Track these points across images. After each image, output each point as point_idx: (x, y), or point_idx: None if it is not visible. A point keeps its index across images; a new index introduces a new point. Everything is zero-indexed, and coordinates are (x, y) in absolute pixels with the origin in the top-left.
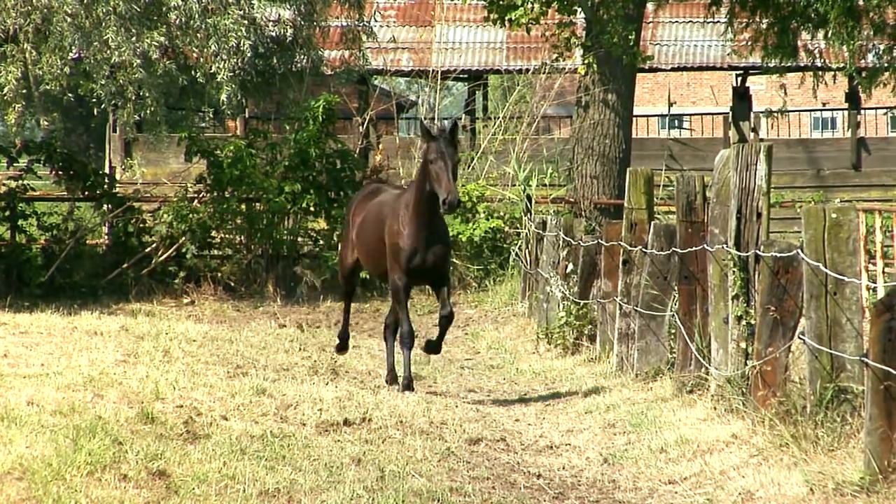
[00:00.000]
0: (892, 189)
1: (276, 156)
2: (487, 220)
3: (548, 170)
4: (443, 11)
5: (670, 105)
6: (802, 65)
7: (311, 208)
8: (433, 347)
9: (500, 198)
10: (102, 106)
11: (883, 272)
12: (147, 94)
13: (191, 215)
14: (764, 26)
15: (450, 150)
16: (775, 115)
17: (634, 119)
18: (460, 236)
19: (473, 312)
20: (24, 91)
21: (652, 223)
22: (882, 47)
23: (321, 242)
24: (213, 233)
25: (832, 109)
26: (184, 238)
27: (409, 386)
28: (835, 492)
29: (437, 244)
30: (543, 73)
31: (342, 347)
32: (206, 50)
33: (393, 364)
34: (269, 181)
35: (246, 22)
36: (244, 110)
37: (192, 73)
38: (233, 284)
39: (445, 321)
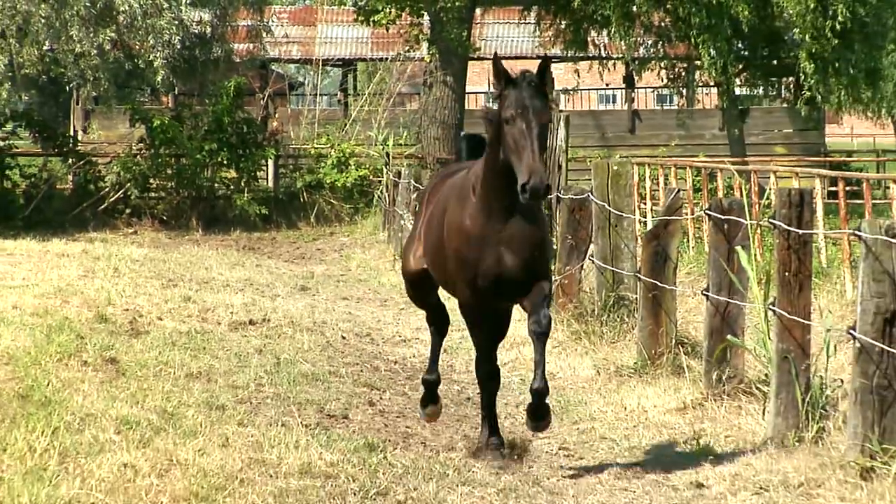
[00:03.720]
0: (658, 148)
1: (198, 122)
2: (357, 170)
3: (402, 133)
4: (323, 14)
5: (489, 85)
6: (591, 55)
7: (224, 162)
8: (538, 411)
9: (366, 154)
10: (69, 85)
11: (651, 210)
12: (101, 77)
13: (134, 167)
14: (563, 26)
15: (536, 105)
16: (571, 92)
17: (467, 95)
18: (336, 182)
19: (347, 240)
20: (10, 75)
21: None
22: (650, 42)
23: (231, 187)
24: (151, 180)
25: (613, 88)
26: (129, 184)
27: (498, 444)
28: (615, 373)
29: (522, 242)
30: (398, 60)
31: (428, 400)
32: (145, 43)
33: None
34: (192, 142)
35: (176, 22)
36: (174, 88)
37: (135, 60)
38: (165, 219)
39: (537, 336)
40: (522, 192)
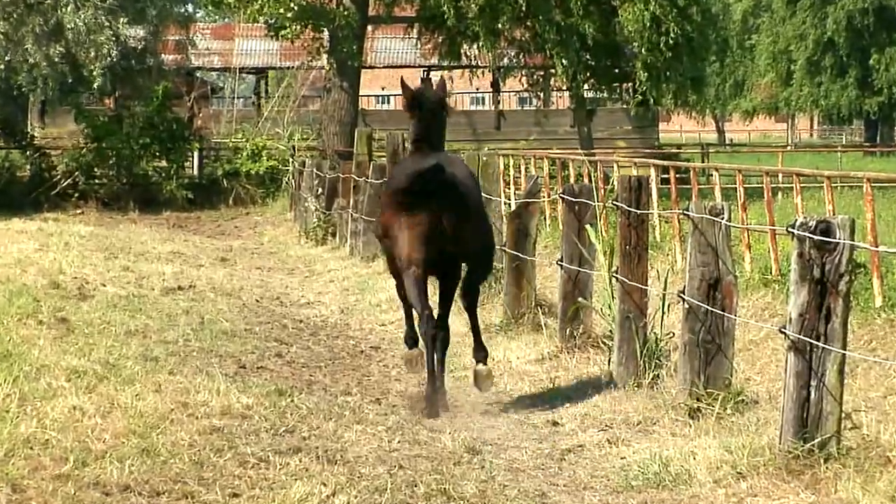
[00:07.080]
0: (519, 142)
1: (135, 121)
2: (268, 160)
3: (306, 130)
4: (240, 29)
5: (383, 90)
6: (464, 64)
7: (156, 154)
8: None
9: (275, 147)
10: (24, 90)
11: (514, 194)
12: (51, 83)
13: (81, 158)
14: (440, 40)
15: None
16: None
17: (360, 97)
18: (250, 170)
19: (260, 219)
20: None
21: (371, 163)
22: (513, 53)
23: (162, 175)
24: (95, 169)
25: (482, 92)
26: (77, 172)
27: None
28: (485, 330)
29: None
30: (303, 69)
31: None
32: (88, 55)
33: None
34: (129, 137)
35: (115, 38)
36: (115, 92)
37: (80, 70)
38: (107, 201)
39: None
40: None
